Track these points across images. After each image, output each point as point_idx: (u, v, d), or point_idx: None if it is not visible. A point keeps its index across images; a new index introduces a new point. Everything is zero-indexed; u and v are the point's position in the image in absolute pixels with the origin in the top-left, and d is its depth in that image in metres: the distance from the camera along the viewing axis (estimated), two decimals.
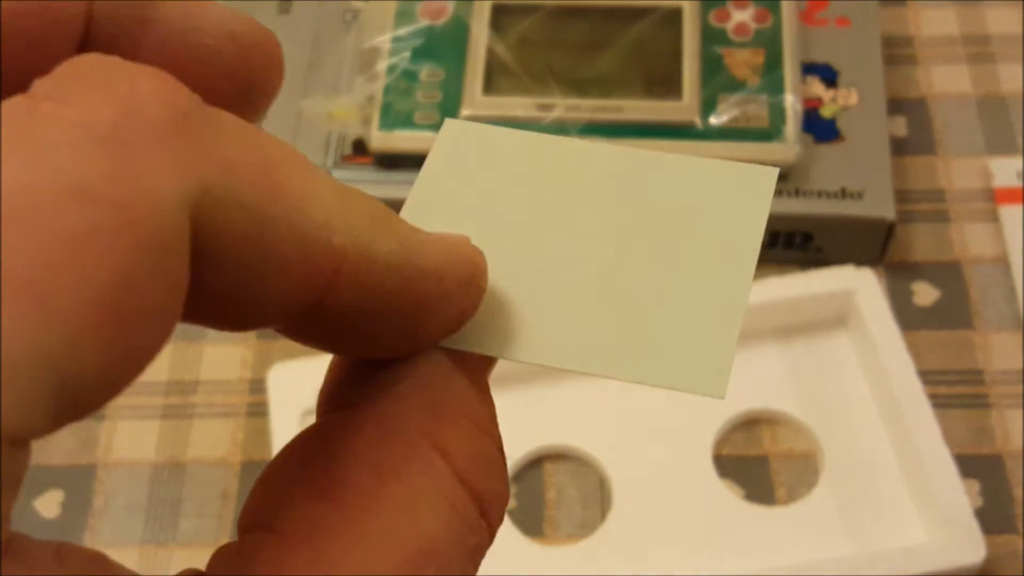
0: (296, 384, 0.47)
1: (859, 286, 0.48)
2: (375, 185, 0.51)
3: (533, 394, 0.47)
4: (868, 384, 0.48)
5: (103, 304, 0.13)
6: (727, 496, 0.46)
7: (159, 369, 0.50)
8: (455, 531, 0.17)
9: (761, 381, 0.48)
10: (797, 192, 0.50)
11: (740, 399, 0.48)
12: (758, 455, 0.47)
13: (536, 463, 0.47)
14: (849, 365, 0.48)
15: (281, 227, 0.16)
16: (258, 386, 0.49)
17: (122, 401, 0.49)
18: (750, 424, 0.48)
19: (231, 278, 0.16)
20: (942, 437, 0.45)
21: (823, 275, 0.49)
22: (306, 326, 0.18)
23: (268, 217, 0.16)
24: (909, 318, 0.50)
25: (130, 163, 0.14)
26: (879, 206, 0.50)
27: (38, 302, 0.13)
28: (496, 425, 0.19)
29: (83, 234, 0.13)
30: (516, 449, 0.47)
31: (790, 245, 0.51)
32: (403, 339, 0.19)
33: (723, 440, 0.48)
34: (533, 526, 0.46)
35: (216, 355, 0.51)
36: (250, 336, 0.51)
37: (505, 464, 0.19)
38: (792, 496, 0.46)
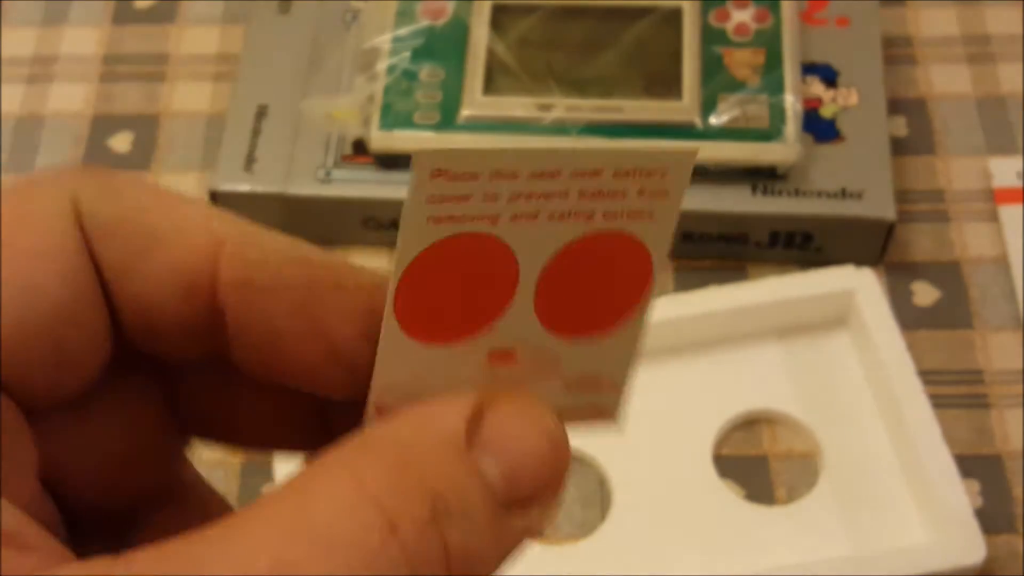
0: None
1: (859, 286, 0.48)
2: (375, 185, 0.51)
3: None
4: (868, 384, 0.48)
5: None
6: (727, 496, 0.46)
7: None
8: (352, 535, 0.18)
9: (761, 381, 0.48)
10: (797, 192, 0.50)
11: (740, 399, 0.48)
12: (758, 455, 0.47)
13: None
14: (849, 365, 0.48)
15: (156, 214, 0.20)
16: None
17: None
18: (750, 424, 0.48)
19: (122, 254, 0.20)
20: (942, 437, 0.45)
21: (823, 275, 0.49)
22: (216, 334, 0.20)
23: (143, 207, 0.20)
24: (909, 318, 0.50)
25: (31, 196, 0.20)
26: (879, 206, 0.50)
27: None
28: (436, 466, 0.19)
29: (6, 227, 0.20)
30: None
31: (790, 245, 0.51)
32: (310, 329, 0.20)
33: (723, 440, 0.48)
34: None
35: None
36: None
37: (435, 500, 0.19)
38: (792, 496, 0.46)
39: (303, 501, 0.18)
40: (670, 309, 0.48)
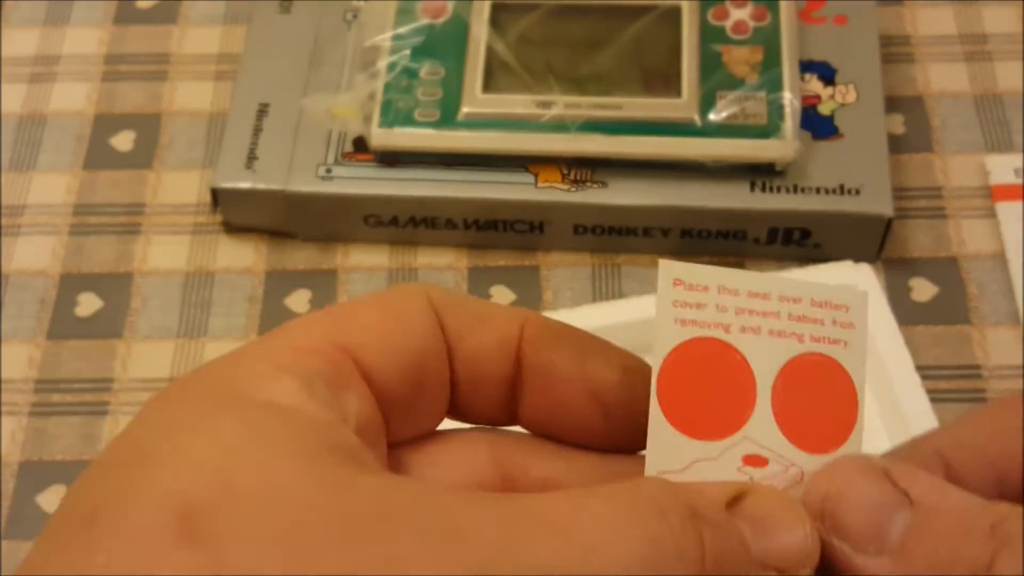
0: None
1: (857, 282, 0.48)
2: (376, 182, 0.51)
3: None
4: (866, 379, 0.48)
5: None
6: None
7: (161, 366, 0.50)
8: (636, 510, 0.22)
9: None
10: (795, 188, 0.50)
11: None
12: None
13: None
14: None
15: (480, 303, 0.27)
16: None
17: (126, 397, 0.49)
18: None
19: (460, 324, 0.27)
20: None
21: (821, 271, 0.49)
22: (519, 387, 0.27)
23: (470, 299, 0.28)
24: (907, 313, 0.50)
25: (397, 288, 0.28)
26: (877, 202, 0.50)
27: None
28: (696, 494, 0.24)
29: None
30: None
31: (788, 241, 0.51)
32: (578, 372, 0.26)
33: None
34: None
35: (219, 351, 0.51)
36: (252, 333, 0.51)
37: (693, 507, 0.23)
38: None
39: (595, 489, 0.23)
40: None
